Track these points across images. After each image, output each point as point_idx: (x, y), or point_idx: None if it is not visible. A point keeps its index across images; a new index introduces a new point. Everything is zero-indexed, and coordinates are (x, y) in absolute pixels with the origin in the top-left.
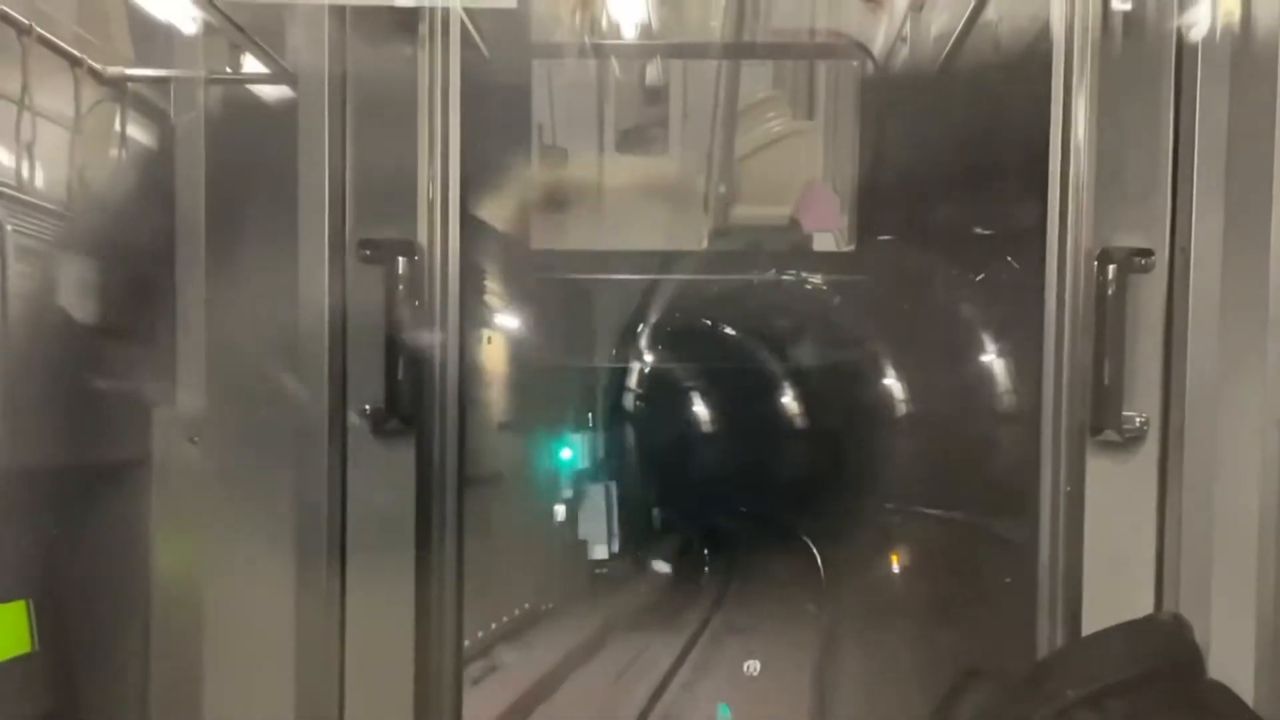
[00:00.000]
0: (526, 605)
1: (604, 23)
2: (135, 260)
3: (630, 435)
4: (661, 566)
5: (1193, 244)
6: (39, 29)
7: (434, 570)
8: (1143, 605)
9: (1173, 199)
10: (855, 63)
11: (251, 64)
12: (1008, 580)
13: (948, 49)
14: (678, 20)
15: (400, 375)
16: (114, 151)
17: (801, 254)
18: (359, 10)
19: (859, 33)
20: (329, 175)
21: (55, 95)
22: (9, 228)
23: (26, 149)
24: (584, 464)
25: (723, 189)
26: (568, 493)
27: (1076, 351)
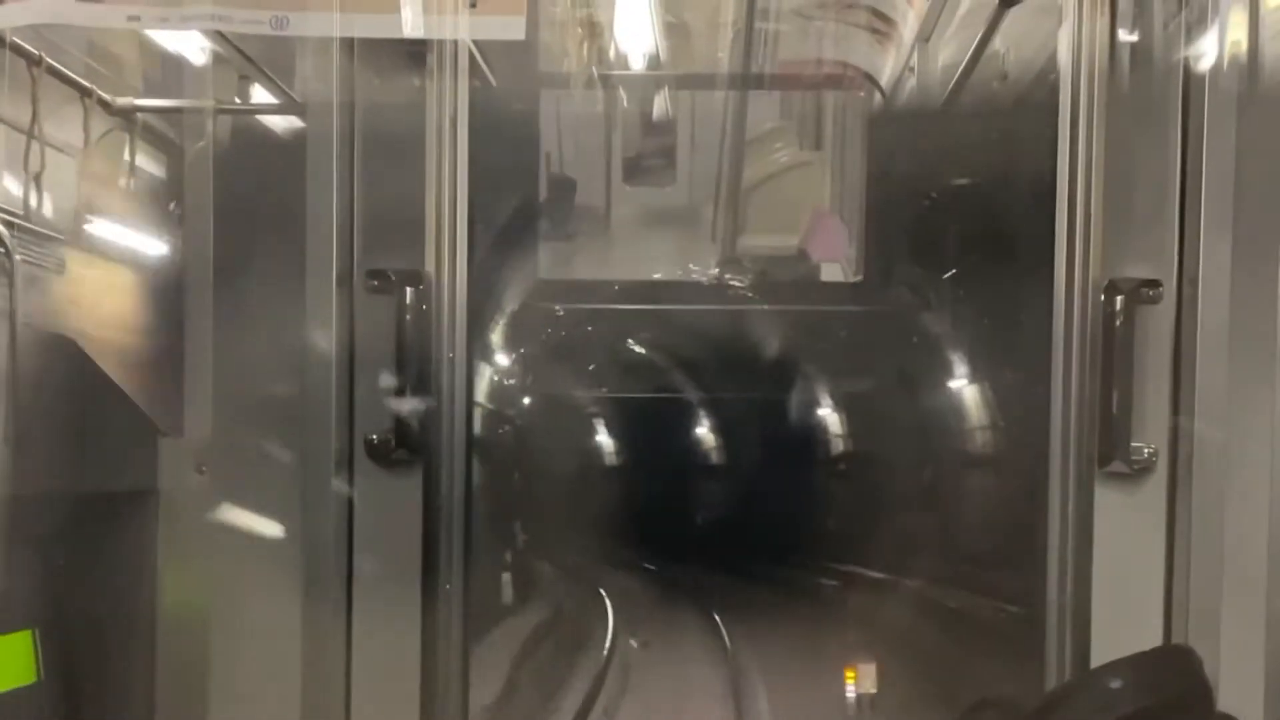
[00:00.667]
0: None
1: (611, 53)
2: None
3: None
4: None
5: (1200, 275)
6: (49, 60)
7: (440, 601)
8: (1151, 637)
9: (1180, 230)
10: (862, 93)
11: (260, 94)
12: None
13: (955, 80)
14: (685, 51)
15: (408, 405)
16: (123, 181)
17: (809, 284)
18: (367, 41)
19: (866, 64)
20: (337, 205)
21: (65, 125)
22: (18, 257)
23: (35, 179)
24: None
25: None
26: None
27: (1084, 382)
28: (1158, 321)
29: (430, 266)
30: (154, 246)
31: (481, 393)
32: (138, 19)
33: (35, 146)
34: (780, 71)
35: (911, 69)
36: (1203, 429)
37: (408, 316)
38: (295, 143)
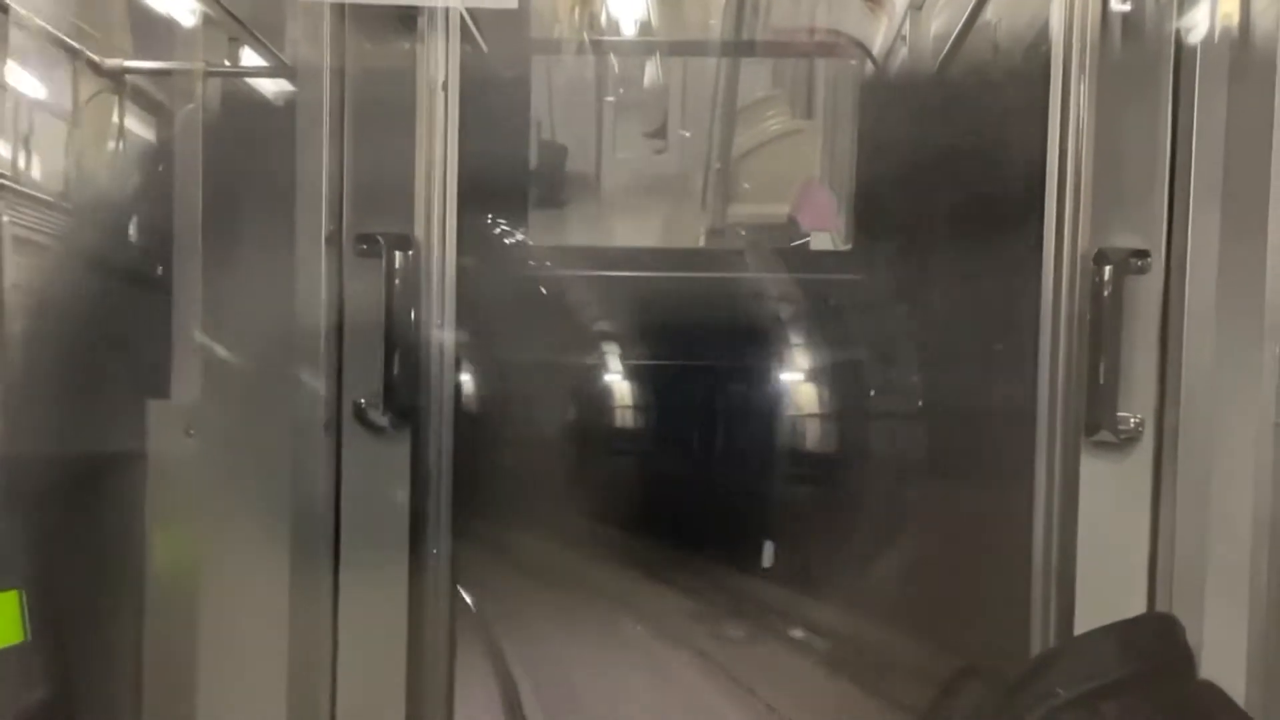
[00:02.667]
0: None
1: (604, 20)
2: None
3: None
4: None
5: (1189, 246)
6: (38, 20)
7: (428, 566)
8: (1135, 605)
9: (1170, 201)
10: (854, 62)
11: (250, 58)
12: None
13: (946, 49)
14: (678, 18)
15: (396, 370)
16: (112, 144)
17: (798, 253)
18: (358, 5)
19: (858, 32)
20: (327, 169)
21: (53, 86)
22: (5, 219)
23: (24, 140)
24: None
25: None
26: None
27: (1072, 351)
28: (1146, 292)
29: (420, 231)
30: (142, 208)
31: (469, 358)
32: None
33: (24, 108)
34: (772, 39)
35: (903, 38)
36: (1189, 399)
37: (396, 281)
38: (285, 106)
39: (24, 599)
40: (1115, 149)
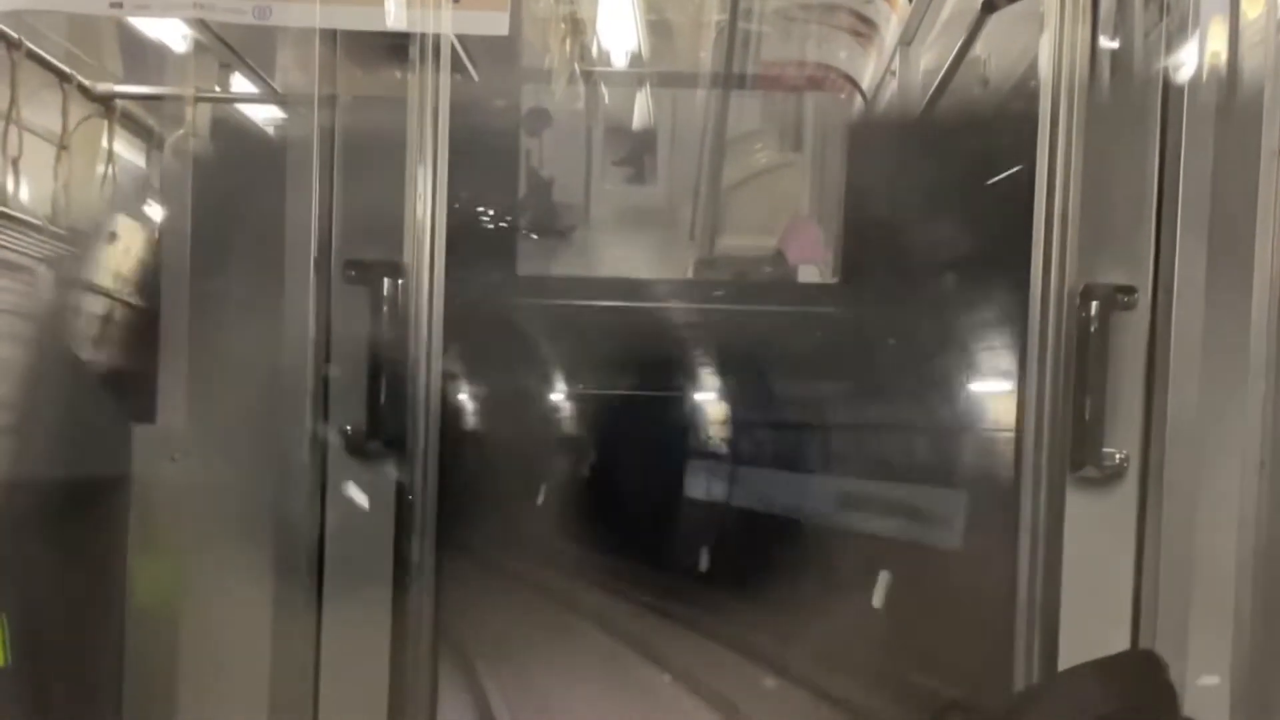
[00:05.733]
0: None
1: (594, 50)
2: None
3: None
4: None
5: (1176, 282)
6: (29, 44)
7: (411, 594)
8: (1119, 642)
9: (1157, 237)
10: (843, 96)
11: (241, 84)
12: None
13: (936, 84)
14: (668, 50)
15: (383, 397)
16: (101, 168)
17: (786, 286)
18: (350, 33)
19: (848, 66)
20: (316, 195)
21: (44, 111)
22: None
23: (13, 164)
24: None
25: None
26: None
27: (1058, 386)
28: (1132, 328)
29: (409, 258)
30: (131, 232)
31: (456, 386)
32: (120, 5)
33: (14, 132)
34: (762, 72)
35: (893, 72)
36: (1175, 436)
37: (385, 307)
38: (275, 132)
39: (5, 624)
40: (1103, 185)
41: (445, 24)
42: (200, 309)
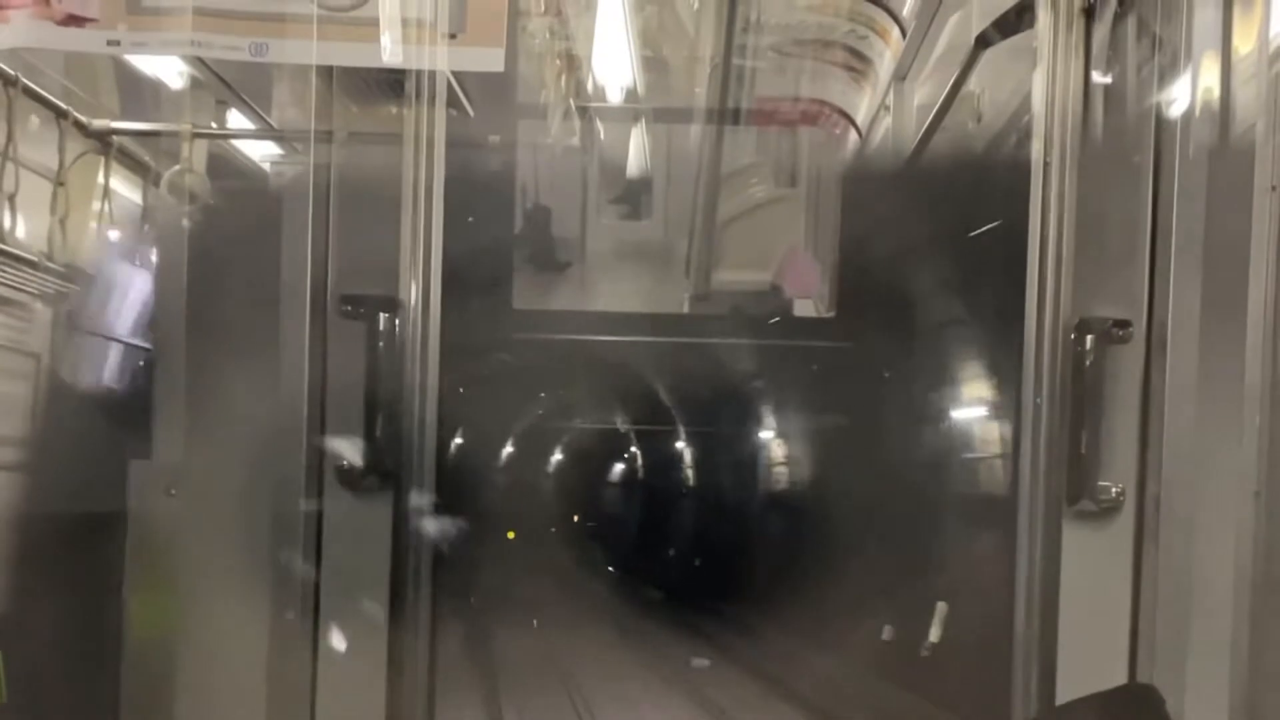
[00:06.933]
0: None
1: (590, 86)
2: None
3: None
4: None
5: (1170, 316)
6: (25, 81)
7: (407, 628)
8: (1116, 676)
9: (1151, 271)
10: (838, 131)
11: (237, 120)
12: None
13: (930, 119)
14: (663, 86)
15: (378, 431)
16: (97, 204)
17: (782, 320)
18: (346, 69)
19: (843, 102)
20: (312, 231)
21: (41, 147)
22: None
23: (9, 200)
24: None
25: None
26: None
27: (1054, 420)
28: (1128, 362)
29: (404, 293)
30: (127, 269)
31: (452, 420)
32: (117, 44)
33: (10, 168)
34: (757, 107)
35: (887, 107)
36: (1170, 469)
37: (380, 343)
38: (271, 168)
39: (0, 661)
40: (1097, 219)
41: (441, 61)
42: (196, 344)
